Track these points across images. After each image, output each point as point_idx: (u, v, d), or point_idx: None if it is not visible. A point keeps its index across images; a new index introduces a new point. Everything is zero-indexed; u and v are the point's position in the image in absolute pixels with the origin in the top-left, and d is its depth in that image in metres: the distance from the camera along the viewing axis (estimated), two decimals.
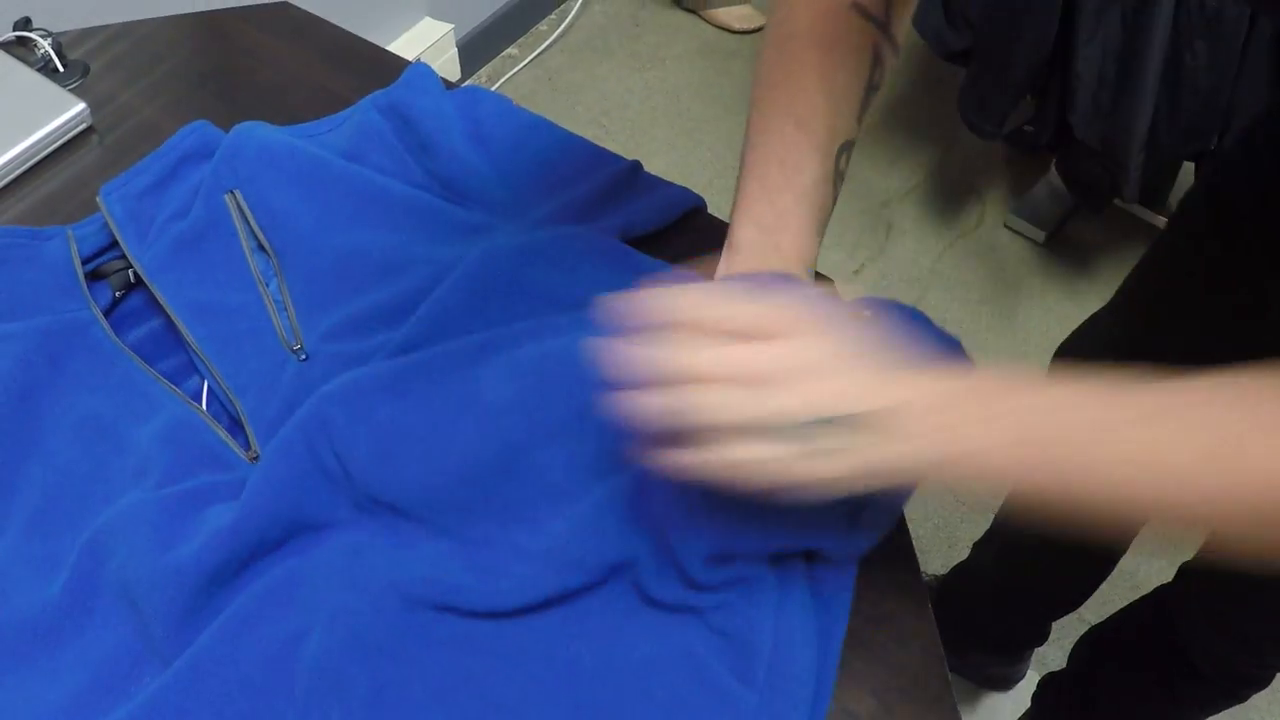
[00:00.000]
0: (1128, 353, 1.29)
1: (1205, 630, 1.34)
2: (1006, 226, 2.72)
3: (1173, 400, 0.62)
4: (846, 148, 0.90)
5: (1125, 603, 1.57)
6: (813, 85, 0.88)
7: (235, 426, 0.96)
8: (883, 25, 0.89)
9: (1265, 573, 1.18)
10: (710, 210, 1.14)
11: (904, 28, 0.92)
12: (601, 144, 1.15)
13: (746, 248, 0.88)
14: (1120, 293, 1.34)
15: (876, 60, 0.89)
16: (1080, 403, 0.64)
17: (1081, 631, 1.68)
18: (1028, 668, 1.92)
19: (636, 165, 1.13)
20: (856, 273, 2.63)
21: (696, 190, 1.10)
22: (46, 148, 1.23)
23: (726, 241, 0.89)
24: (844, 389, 0.65)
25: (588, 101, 3.07)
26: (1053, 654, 1.82)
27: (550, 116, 1.18)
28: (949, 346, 0.84)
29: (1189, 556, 1.38)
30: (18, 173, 1.21)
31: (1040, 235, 2.65)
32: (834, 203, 0.90)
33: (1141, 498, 0.62)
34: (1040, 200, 2.69)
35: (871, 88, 0.90)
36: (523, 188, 1.11)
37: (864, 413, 0.64)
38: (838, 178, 0.89)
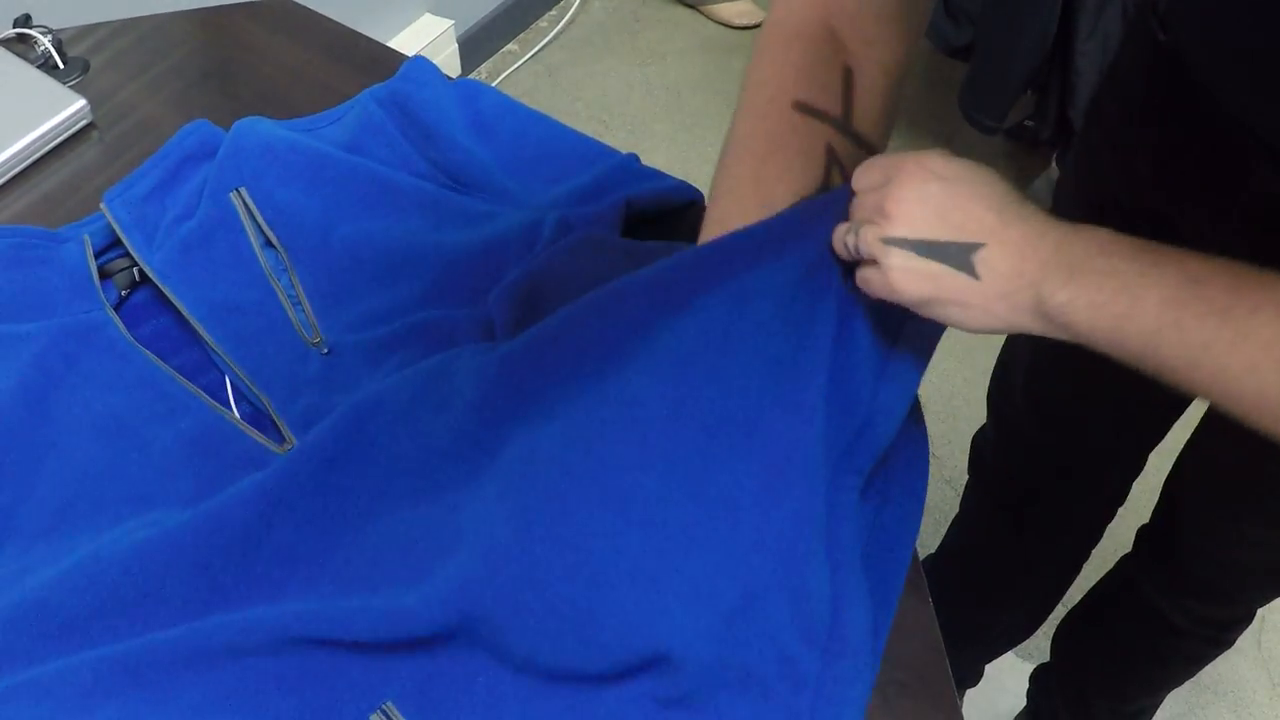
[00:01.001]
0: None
1: (1171, 587, 1.35)
2: None
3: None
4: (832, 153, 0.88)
5: (1098, 573, 1.58)
6: (749, 199, 0.86)
7: (259, 420, 0.97)
8: (839, 123, 0.87)
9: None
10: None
11: (877, 124, 0.89)
12: (602, 139, 1.16)
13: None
14: None
15: (833, 162, 0.87)
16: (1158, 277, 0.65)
17: (1061, 617, 1.68)
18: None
19: (634, 157, 1.13)
20: None
21: (697, 185, 1.11)
22: (47, 144, 1.23)
23: (704, 218, 0.90)
24: (934, 222, 0.71)
25: (588, 97, 3.07)
26: (1040, 645, 1.82)
27: (551, 112, 1.19)
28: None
29: (1144, 520, 1.38)
30: (19, 169, 1.21)
31: None
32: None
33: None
34: (1041, 194, 2.69)
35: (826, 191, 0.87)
36: (525, 177, 1.12)
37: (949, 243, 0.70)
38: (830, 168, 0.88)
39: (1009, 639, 1.80)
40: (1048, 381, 1.35)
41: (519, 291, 0.95)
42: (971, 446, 1.58)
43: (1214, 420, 1.18)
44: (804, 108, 0.86)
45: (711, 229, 0.87)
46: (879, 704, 0.81)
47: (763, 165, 0.87)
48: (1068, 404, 1.35)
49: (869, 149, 0.88)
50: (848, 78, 0.88)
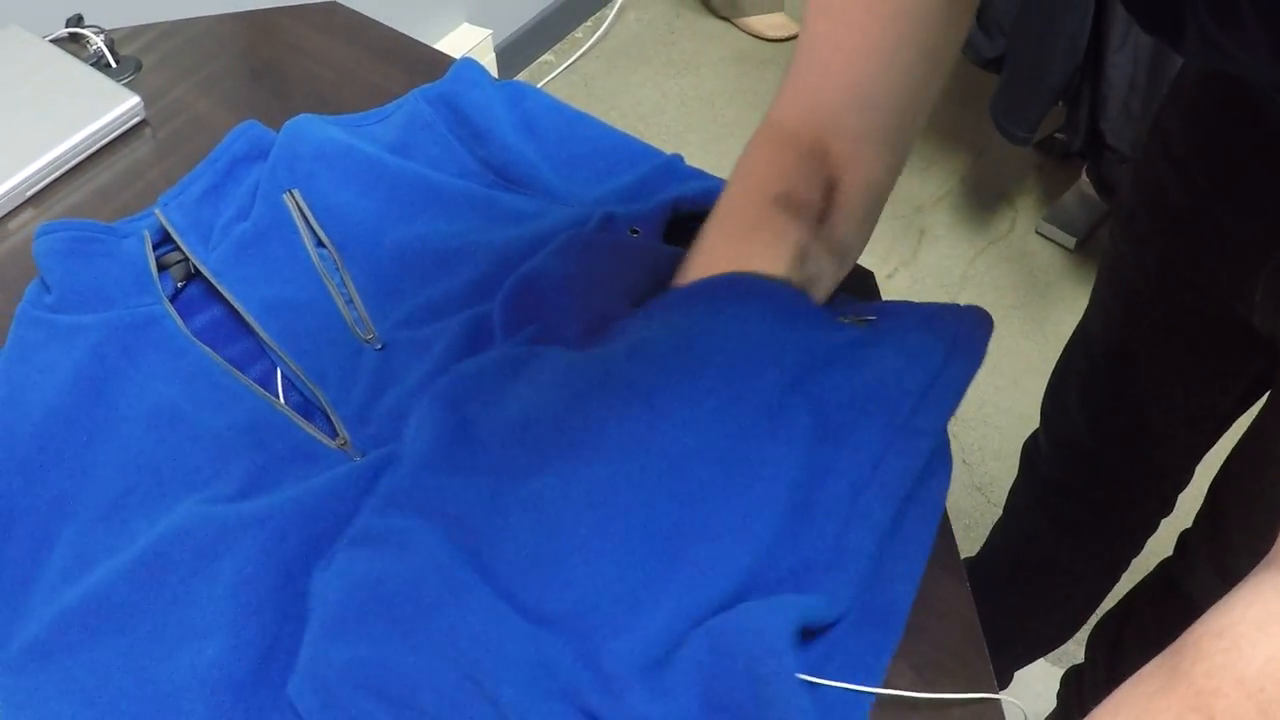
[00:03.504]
0: (1114, 359, 1.31)
1: (1215, 589, 1.36)
2: (1038, 233, 2.73)
3: None
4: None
5: (1131, 585, 1.59)
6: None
7: (308, 412, 0.99)
8: (814, 225, 0.89)
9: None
10: None
11: (852, 235, 0.92)
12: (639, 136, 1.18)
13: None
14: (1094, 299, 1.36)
15: (802, 260, 0.89)
16: None
17: (1097, 620, 1.69)
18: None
19: (678, 158, 1.16)
20: (889, 277, 2.65)
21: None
22: (101, 139, 1.25)
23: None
24: None
25: (623, 107, 3.10)
26: (1068, 650, 1.83)
27: None
28: (959, 339, 0.89)
29: (1188, 526, 1.39)
30: (74, 163, 1.24)
31: (1071, 242, 2.67)
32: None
33: None
34: (1071, 207, 2.70)
35: (805, 280, 0.90)
36: (571, 176, 1.15)
37: None
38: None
39: (1044, 645, 1.81)
40: (1103, 395, 1.36)
41: (522, 285, 0.98)
42: (1023, 452, 1.59)
43: (1267, 418, 1.19)
44: (783, 202, 0.89)
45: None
46: (920, 684, 0.82)
47: (736, 246, 0.90)
48: (1122, 417, 1.36)
49: (839, 254, 0.92)
50: (830, 188, 0.90)
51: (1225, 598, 0.63)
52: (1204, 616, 0.63)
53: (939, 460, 0.87)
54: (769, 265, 0.88)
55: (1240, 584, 0.64)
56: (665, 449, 0.81)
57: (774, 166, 0.91)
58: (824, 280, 0.92)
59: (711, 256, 0.90)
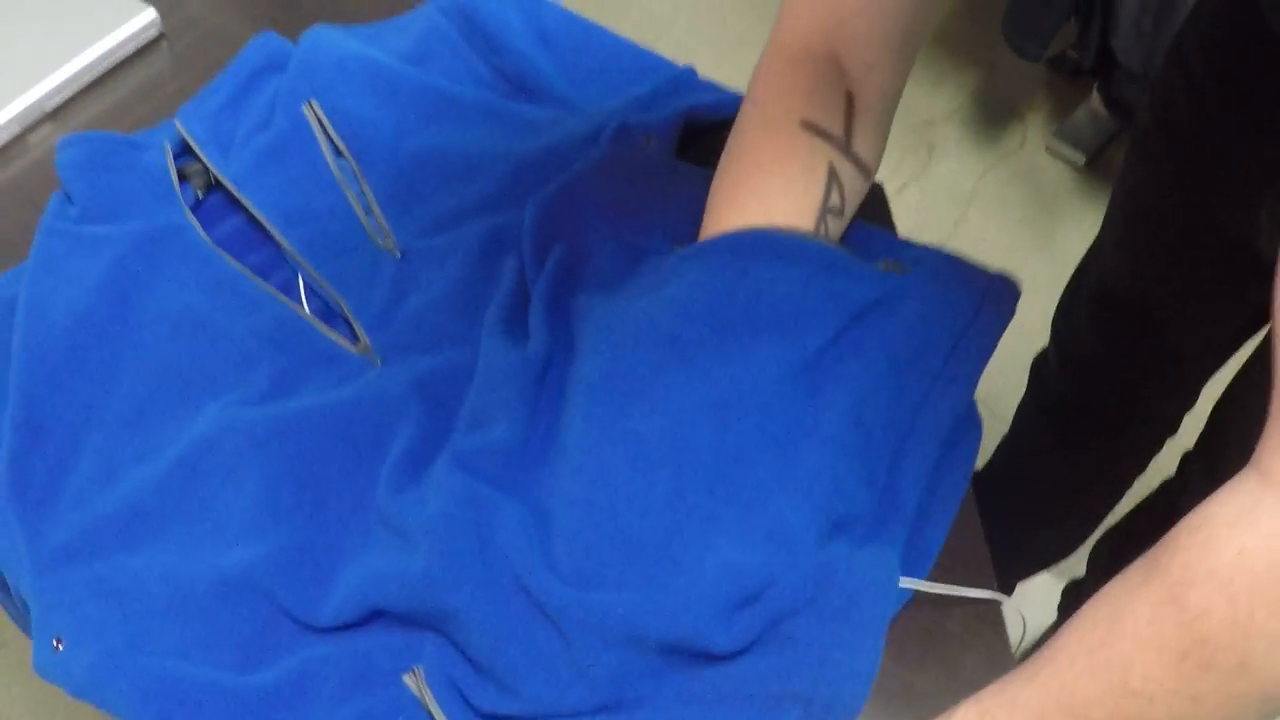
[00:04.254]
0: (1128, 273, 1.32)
1: None
2: (1048, 150, 2.73)
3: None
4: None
5: (1136, 502, 1.61)
6: (754, 211, 0.90)
7: (329, 318, 1.01)
8: (841, 144, 0.90)
9: None
10: None
11: (872, 147, 0.93)
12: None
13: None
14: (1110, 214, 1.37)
15: (833, 181, 0.90)
16: None
17: (1099, 536, 1.72)
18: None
19: (690, 70, 1.17)
20: (899, 191, 2.65)
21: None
22: (119, 54, 1.26)
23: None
24: None
25: (634, 18, 3.09)
26: (1071, 565, 1.86)
27: None
28: (989, 293, 0.92)
29: (1190, 447, 1.42)
30: (91, 77, 1.25)
31: (1081, 159, 2.67)
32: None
33: None
34: (1082, 124, 2.70)
35: (828, 210, 0.91)
36: (585, 86, 1.16)
37: None
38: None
39: (1047, 558, 1.83)
40: (1113, 314, 1.38)
41: (548, 197, 1.00)
42: (1032, 368, 1.61)
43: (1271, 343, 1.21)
44: (809, 127, 0.89)
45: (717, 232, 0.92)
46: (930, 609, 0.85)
47: (767, 178, 0.91)
48: (1131, 337, 1.38)
49: (864, 170, 0.93)
50: (850, 102, 0.91)
51: (1206, 499, 0.65)
52: (1185, 517, 0.65)
53: (970, 420, 0.91)
54: (804, 194, 0.90)
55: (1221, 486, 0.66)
56: (714, 402, 0.84)
57: (794, 88, 0.91)
58: (852, 199, 0.94)
59: (744, 190, 0.92)
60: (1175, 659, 0.61)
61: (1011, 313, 0.93)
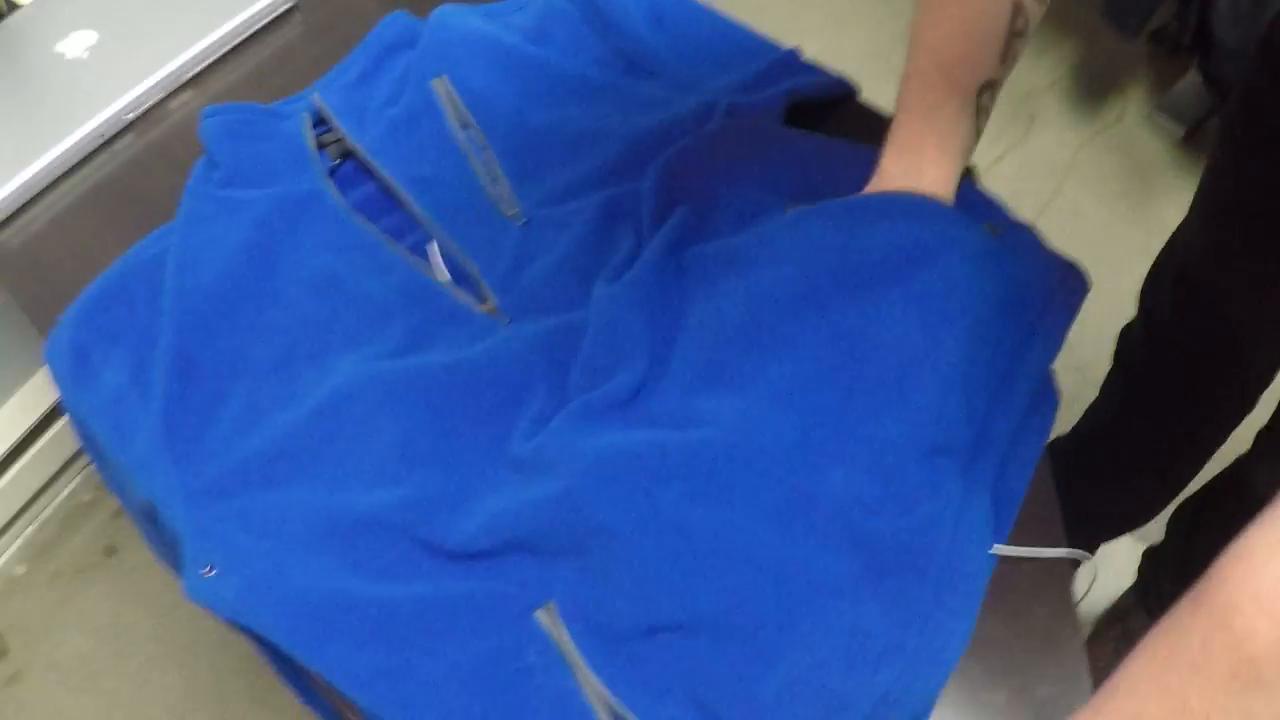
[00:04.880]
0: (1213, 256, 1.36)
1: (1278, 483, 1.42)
2: (1149, 121, 2.74)
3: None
4: (989, 86, 0.98)
5: (1217, 471, 1.65)
6: (955, 31, 0.96)
7: (460, 282, 1.07)
8: None
9: None
10: (861, 96, 1.21)
11: None
12: (752, 26, 1.24)
13: (892, 176, 1.00)
14: (1198, 199, 1.40)
15: (1017, 8, 0.95)
16: None
17: (1178, 504, 1.76)
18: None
19: (795, 52, 1.22)
20: (999, 159, 2.67)
21: (848, 75, 1.19)
22: (256, 24, 1.34)
23: (877, 167, 1.01)
24: None
25: None
26: (1155, 528, 1.89)
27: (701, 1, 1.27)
28: (1068, 273, 0.99)
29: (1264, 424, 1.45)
30: (229, 46, 1.33)
31: (1179, 131, 2.67)
32: (977, 136, 1.01)
33: None
34: (1183, 97, 2.70)
35: (1014, 33, 0.96)
36: (696, 66, 1.22)
37: None
38: (979, 113, 0.99)
39: (1128, 522, 1.87)
40: (1194, 294, 1.42)
41: (670, 163, 1.06)
42: (1119, 338, 1.65)
43: None
44: None
45: (922, 56, 0.99)
46: (1003, 562, 0.89)
47: (967, 3, 0.96)
48: (1209, 317, 1.41)
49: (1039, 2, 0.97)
50: None
51: (1246, 527, 0.70)
52: (1230, 545, 0.70)
53: (1048, 389, 0.97)
54: (997, 19, 0.95)
55: (1261, 511, 0.70)
56: (838, 344, 0.90)
57: None
58: (1034, 23, 0.99)
59: (944, 12, 0.97)
60: (1226, 679, 0.65)
61: (1083, 296, 1.00)
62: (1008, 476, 0.90)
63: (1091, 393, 1.78)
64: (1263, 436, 1.46)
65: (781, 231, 0.97)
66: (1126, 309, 1.62)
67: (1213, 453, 1.67)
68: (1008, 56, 0.98)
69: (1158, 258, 1.52)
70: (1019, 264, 0.97)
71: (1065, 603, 0.90)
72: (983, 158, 2.66)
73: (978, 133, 1.00)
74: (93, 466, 1.06)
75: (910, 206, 0.96)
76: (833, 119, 1.18)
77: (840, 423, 0.87)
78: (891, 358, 0.89)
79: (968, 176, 1.05)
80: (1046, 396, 0.96)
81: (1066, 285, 0.99)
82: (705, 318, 0.95)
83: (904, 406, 0.87)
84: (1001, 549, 0.88)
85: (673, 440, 0.88)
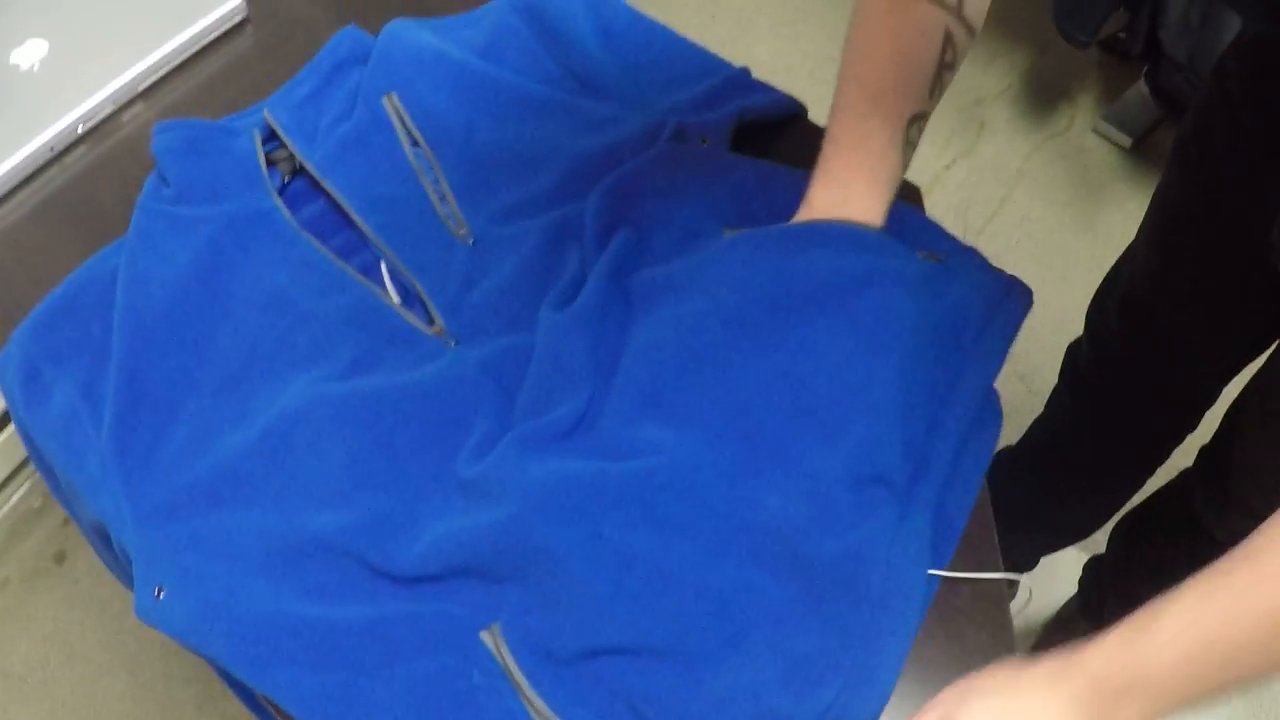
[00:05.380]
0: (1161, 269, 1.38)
1: (1218, 504, 1.44)
2: (1095, 131, 2.77)
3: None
4: (918, 119, 1.00)
5: (1161, 484, 1.67)
6: (884, 64, 0.98)
7: (406, 301, 1.08)
8: (954, 9, 0.97)
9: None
10: (811, 102, 1.23)
11: (978, 11, 0.99)
12: (707, 30, 1.26)
13: (819, 207, 1.01)
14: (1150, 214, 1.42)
15: (947, 41, 0.97)
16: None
17: (1121, 516, 1.78)
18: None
19: (746, 71, 1.23)
20: (947, 168, 2.69)
21: (799, 79, 1.21)
22: (207, 37, 1.34)
23: (804, 197, 1.02)
24: None
25: None
26: (1097, 541, 1.92)
27: (658, 2, 1.28)
28: (1010, 290, 1.01)
29: (1206, 441, 1.48)
30: (179, 60, 1.32)
31: (1127, 141, 2.70)
32: (904, 168, 1.02)
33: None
34: (1130, 107, 2.73)
35: (944, 66, 0.98)
36: (647, 84, 1.24)
37: None
38: (907, 146, 1.00)
39: (1072, 534, 1.90)
40: (1140, 313, 1.44)
41: (611, 187, 1.07)
42: (1065, 355, 1.68)
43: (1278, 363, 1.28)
44: None
45: (853, 89, 1.00)
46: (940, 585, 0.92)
47: (898, 36, 0.98)
48: (1155, 336, 1.44)
49: (972, 31, 0.99)
50: None
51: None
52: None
53: (991, 409, 0.98)
54: (926, 51, 0.97)
55: None
56: (773, 372, 0.92)
57: None
58: (962, 56, 1.01)
59: (877, 46, 0.99)
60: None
61: (1024, 313, 1.01)
62: (949, 499, 0.92)
63: (1035, 402, 1.81)
64: (1205, 453, 1.48)
65: (717, 260, 0.99)
66: (1072, 317, 1.64)
67: (1156, 468, 1.71)
68: (936, 89, 1.00)
69: (1106, 278, 1.55)
70: (956, 288, 0.98)
71: (1002, 623, 0.92)
72: (932, 164, 2.69)
73: (905, 165, 1.02)
74: None
75: (843, 235, 0.97)
76: (782, 138, 1.20)
77: (776, 451, 0.89)
78: (826, 387, 0.90)
79: (911, 199, 1.06)
80: (989, 417, 0.97)
81: (1008, 303, 1.00)
82: (645, 345, 0.96)
83: (838, 436, 0.88)
84: (937, 572, 0.90)
85: (614, 469, 0.89)
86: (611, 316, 0.99)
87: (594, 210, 1.05)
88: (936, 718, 0.77)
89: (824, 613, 0.83)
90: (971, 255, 1.03)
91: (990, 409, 0.98)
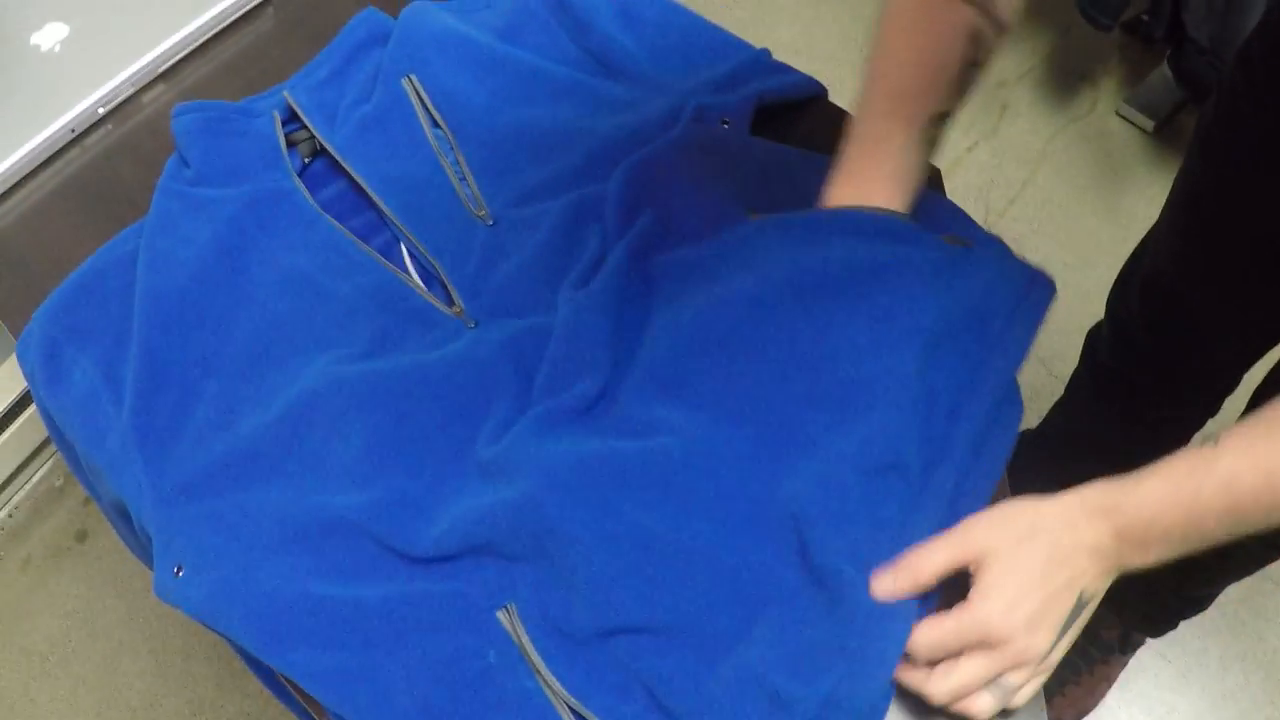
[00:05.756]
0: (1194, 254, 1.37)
1: None
2: (1118, 114, 2.75)
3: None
4: (940, 119, 0.99)
5: None
6: (908, 62, 0.98)
7: (426, 281, 1.08)
8: (982, 5, 0.96)
9: None
10: (832, 83, 1.22)
11: (1010, 4, 0.98)
12: (728, 12, 1.25)
13: (838, 203, 1.00)
14: (1174, 193, 1.41)
15: (973, 40, 0.96)
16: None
17: None
18: None
19: (765, 52, 1.23)
20: (969, 150, 2.68)
21: (820, 62, 1.20)
22: (227, 19, 1.35)
23: (822, 194, 1.02)
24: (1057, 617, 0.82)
25: None
26: None
27: None
28: (1034, 281, 1.00)
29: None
30: (202, 40, 1.33)
31: (1150, 125, 2.69)
32: (926, 166, 1.02)
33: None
34: (1153, 90, 2.72)
35: (970, 65, 0.98)
36: (666, 65, 1.23)
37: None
38: (927, 145, 1.00)
39: None
40: (1162, 298, 1.43)
41: (634, 168, 1.07)
42: (1086, 339, 1.67)
43: None
44: None
45: (875, 87, 1.00)
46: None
47: (923, 35, 0.97)
48: (1176, 322, 1.43)
49: (1002, 28, 0.99)
50: None
51: None
52: None
53: (1011, 400, 0.97)
54: (951, 50, 0.97)
55: None
56: (793, 358, 0.91)
57: None
58: (990, 53, 1.00)
59: (900, 44, 0.99)
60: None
61: (1048, 305, 1.00)
62: (967, 487, 0.91)
63: (1056, 386, 1.80)
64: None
65: (741, 243, 0.98)
66: (1094, 300, 1.63)
67: (1176, 451, 1.70)
68: (962, 87, 0.99)
69: (1127, 263, 1.54)
70: (980, 276, 0.97)
71: None
72: (954, 146, 2.68)
73: (926, 163, 1.01)
74: None
75: (868, 222, 0.97)
76: (803, 119, 1.19)
77: (792, 436, 0.89)
78: (845, 374, 0.90)
79: (933, 180, 1.06)
80: (1010, 407, 0.97)
81: (1032, 294, 1.00)
82: (666, 327, 0.96)
83: (855, 423, 0.88)
84: None
85: (631, 449, 0.89)
86: (632, 298, 0.99)
87: (616, 191, 1.05)
88: (954, 557, 0.82)
89: (831, 598, 0.83)
90: (995, 244, 1.02)
91: (1011, 399, 0.97)
